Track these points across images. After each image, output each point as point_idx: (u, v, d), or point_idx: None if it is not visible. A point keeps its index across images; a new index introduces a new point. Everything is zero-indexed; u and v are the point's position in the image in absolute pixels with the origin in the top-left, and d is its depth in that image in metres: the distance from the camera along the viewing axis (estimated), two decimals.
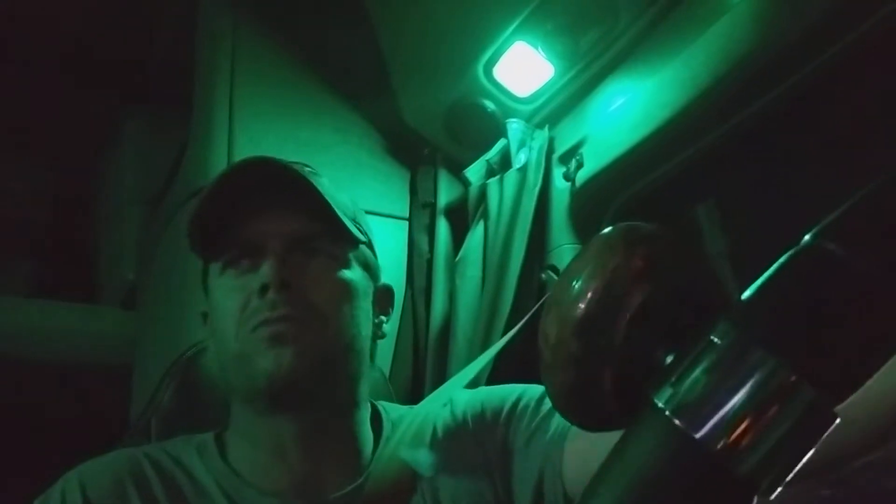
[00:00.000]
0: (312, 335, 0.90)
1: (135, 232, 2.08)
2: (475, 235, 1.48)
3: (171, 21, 2.14)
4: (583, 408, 0.46)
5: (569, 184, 1.38)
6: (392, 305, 1.07)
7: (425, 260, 1.56)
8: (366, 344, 0.97)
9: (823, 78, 1.05)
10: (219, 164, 1.51)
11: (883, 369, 0.37)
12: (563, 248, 1.38)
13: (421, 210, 1.61)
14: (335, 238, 0.96)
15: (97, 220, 2.38)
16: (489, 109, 1.52)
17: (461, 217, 1.56)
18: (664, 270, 0.43)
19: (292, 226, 0.94)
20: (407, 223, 1.60)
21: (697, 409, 0.36)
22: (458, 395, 1.02)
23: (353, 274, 0.96)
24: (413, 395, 1.46)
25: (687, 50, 1.14)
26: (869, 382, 0.37)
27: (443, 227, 1.58)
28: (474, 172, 1.53)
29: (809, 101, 1.10)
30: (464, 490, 0.92)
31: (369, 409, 1.01)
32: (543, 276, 1.38)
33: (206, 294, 0.99)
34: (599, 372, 0.43)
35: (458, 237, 1.55)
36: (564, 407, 0.47)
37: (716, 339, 0.37)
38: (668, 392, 0.37)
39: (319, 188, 0.94)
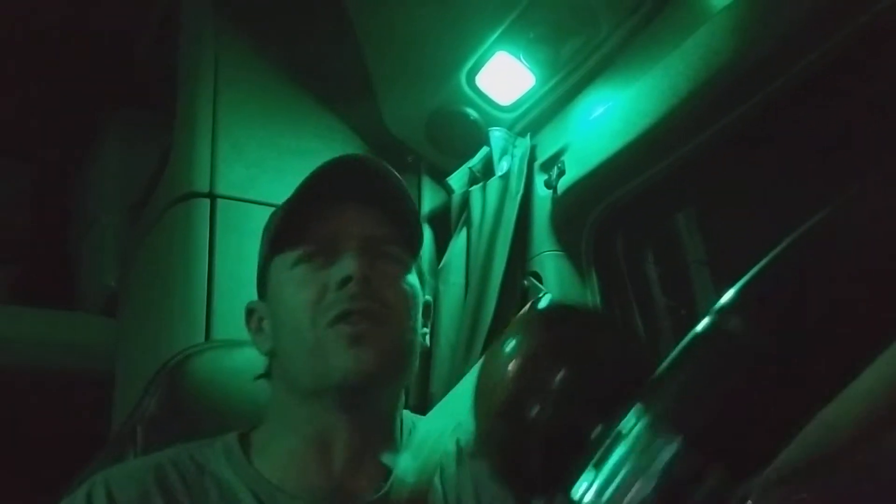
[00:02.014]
0: (386, 335, 0.91)
1: (116, 238, 2.06)
2: (458, 242, 1.49)
3: (152, 26, 2.13)
4: (517, 484, 0.47)
5: (550, 191, 1.39)
6: (430, 320, 1.06)
7: None
8: (417, 351, 0.97)
9: (802, 86, 1.06)
10: (202, 169, 1.50)
11: (871, 367, 0.38)
12: (545, 256, 1.39)
13: None
14: (403, 243, 0.97)
15: (77, 225, 2.35)
16: (471, 117, 1.53)
17: (444, 224, 1.56)
18: (584, 349, 0.44)
19: (368, 227, 0.95)
20: None
21: (611, 501, 0.37)
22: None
23: (415, 281, 0.98)
24: None
25: (667, 59, 1.16)
26: (858, 382, 0.39)
27: (426, 235, 1.58)
28: (457, 180, 1.54)
29: (788, 110, 1.12)
30: (489, 489, 0.92)
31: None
32: (526, 282, 1.39)
33: (265, 289, 0.98)
34: (527, 454, 0.44)
35: (442, 244, 1.56)
36: (501, 484, 0.49)
37: (624, 430, 0.38)
38: (583, 485, 0.38)
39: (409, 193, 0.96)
